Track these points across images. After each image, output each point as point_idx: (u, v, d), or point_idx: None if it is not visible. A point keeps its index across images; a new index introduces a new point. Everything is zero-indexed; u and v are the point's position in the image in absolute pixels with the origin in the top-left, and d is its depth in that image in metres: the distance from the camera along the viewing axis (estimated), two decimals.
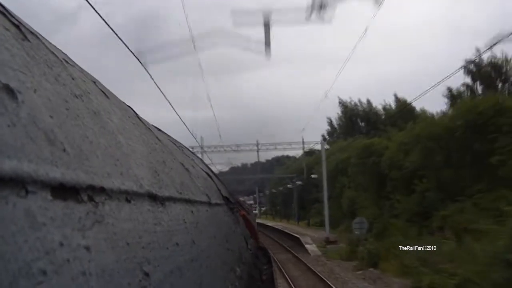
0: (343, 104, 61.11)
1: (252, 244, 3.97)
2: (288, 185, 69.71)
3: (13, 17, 0.83)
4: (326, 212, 41.37)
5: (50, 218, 0.56)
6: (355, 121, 59.92)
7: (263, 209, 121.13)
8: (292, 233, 46.13)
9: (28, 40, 0.81)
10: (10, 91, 0.59)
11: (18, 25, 0.81)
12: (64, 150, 0.67)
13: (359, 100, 59.88)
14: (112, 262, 0.69)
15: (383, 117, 52.25)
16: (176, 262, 1.07)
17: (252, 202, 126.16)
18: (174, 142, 2.84)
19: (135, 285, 0.76)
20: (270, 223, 70.27)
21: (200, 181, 2.19)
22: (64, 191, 0.61)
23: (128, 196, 0.88)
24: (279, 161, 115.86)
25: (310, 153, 63.15)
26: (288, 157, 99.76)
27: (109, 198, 0.77)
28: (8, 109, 0.57)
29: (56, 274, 0.52)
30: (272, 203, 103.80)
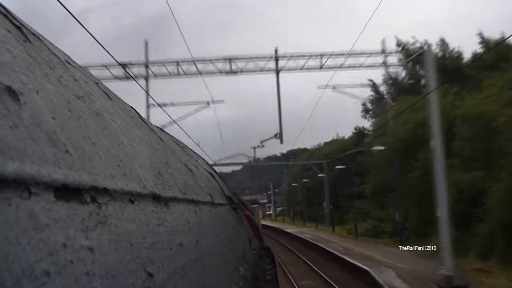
0: (403, 47, 36.84)
1: (256, 244, 3.97)
2: (320, 174, 50.80)
3: (15, 18, 0.83)
4: (442, 214, 17.88)
5: (53, 219, 0.56)
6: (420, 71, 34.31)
7: (278, 209, 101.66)
8: (342, 256, 24.30)
9: (30, 42, 0.81)
10: (13, 93, 0.59)
11: (20, 27, 0.81)
12: (67, 151, 0.67)
13: (426, 42, 34.90)
14: (115, 263, 0.69)
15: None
16: (179, 262, 1.07)
17: (265, 201, 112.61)
18: (177, 142, 2.85)
19: (139, 285, 0.76)
20: (290, 229, 50.45)
21: (203, 182, 2.19)
22: (67, 192, 0.61)
23: (132, 197, 0.88)
24: (295, 155, 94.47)
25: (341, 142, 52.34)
26: (305, 149, 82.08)
27: (113, 199, 0.77)
28: (11, 111, 0.57)
29: (59, 275, 0.52)
30: (290, 201, 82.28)
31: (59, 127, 0.69)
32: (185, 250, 1.17)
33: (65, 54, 1.13)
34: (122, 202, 0.82)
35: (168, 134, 2.75)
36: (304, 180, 61.23)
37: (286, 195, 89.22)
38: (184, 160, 2.06)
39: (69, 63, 1.04)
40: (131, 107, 1.68)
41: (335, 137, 59.52)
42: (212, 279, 1.46)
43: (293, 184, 72.43)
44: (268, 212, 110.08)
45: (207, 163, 3.98)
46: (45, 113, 0.67)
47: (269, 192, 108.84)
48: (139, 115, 1.70)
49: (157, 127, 2.25)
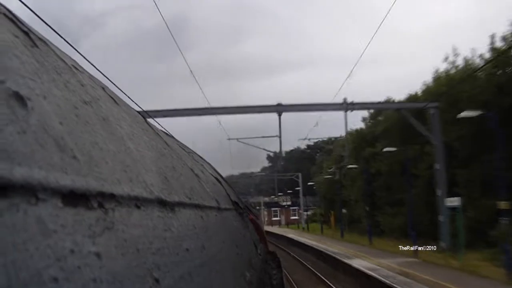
0: None
1: (262, 248, 3.96)
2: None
3: (23, 24, 0.83)
4: None
5: (61, 225, 0.56)
6: None
7: (307, 213, 66.25)
8: None
9: (37, 47, 0.82)
10: (20, 98, 0.60)
11: (27, 32, 0.82)
12: (74, 157, 0.67)
13: None
14: (122, 269, 0.68)
15: None
16: (186, 267, 1.07)
17: (289, 203, 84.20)
18: (183, 147, 2.85)
19: None
20: (365, 262, 21.05)
21: (209, 186, 2.19)
22: (74, 198, 0.61)
23: (138, 202, 0.87)
24: (321, 150, 71.74)
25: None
26: (334, 140, 55.59)
27: (119, 205, 0.77)
28: (18, 116, 0.57)
29: (67, 281, 0.52)
30: (330, 201, 49.30)
31: (67, 133, 0.69)
32: (191, 255, 1.16)
33: (71, 59, 1.13)
34: (129, 208, 0.82)
35: (174, 139, 2.76)
36: (388, 149, 27.79)
37: (325, 190, 51.75)
38: (190, 165, 2.06)
39: (76, 68, 1.04)
40: (138, 112, 1.69)
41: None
42: (218, 284, 1.46)
43: (348, 167, 36.51)
44: (293, 217, 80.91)
45: (213, 168, 3.99)
46: (53, 118, 0.67)
47: (297, 188, 68.47)
48: (146, 120, 1.70)
49: (163, 132, 2.26)
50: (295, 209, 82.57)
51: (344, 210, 42.06)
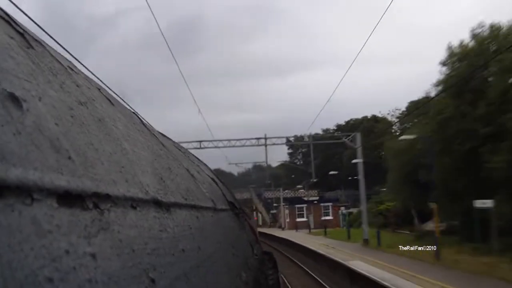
0: None
1: (258, 249, 3.96)
2: None
3: (18, 25, 0.84)
4: None
5: (56, 225, 0.56)
6: None
7: (346, 211, 46.87)
8: None
9: (33, 48, 0.82)
10: (15, 100, 0.60)
11: (22, 33, 0.82)
12: (70, 157, 0.67)
13: None
14: (118, 269, 0.68)
15: None
16: (182, 268, 1.07)
17: (316, 198, 60.76)
18: (179, 148, 2.85)
19: None
20: None
21: (205, 187, 2.19)
22: (69, 198, 0.62)
23: (134, 202, 0.88)
24: (354, 128, 49.65)
25: None
26: (375, 119, 47.60)
27: (115, 205, 0.77)
28: (14, 118, 0.57)
29: (62, 282, 0.52)
30: (422, 186, 25.14)
31: (62, 134, 0.69)
32: (187, 256, 1.17)
33: (67, 60, 1.13)
34: (124, 208, 0.82)
35: (170, 139, 2.76)
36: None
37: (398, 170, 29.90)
38: (186, 165, 2.06)
39: (72, 69, 1.05)
40: (134, 112, 1.69)
41: None
42: (214, 284, 1.46)
43: None
44: (326, 218, 56.06)
45: (209, 168, 3.99)
46: (48, 119, 0.67)
47: (355, 161, 31.54)
48: (141, 120, 1.70)
49: (159, 132, 2.26)
50: (328, 205, 57.62)
51: (486, 202, 19.58)
